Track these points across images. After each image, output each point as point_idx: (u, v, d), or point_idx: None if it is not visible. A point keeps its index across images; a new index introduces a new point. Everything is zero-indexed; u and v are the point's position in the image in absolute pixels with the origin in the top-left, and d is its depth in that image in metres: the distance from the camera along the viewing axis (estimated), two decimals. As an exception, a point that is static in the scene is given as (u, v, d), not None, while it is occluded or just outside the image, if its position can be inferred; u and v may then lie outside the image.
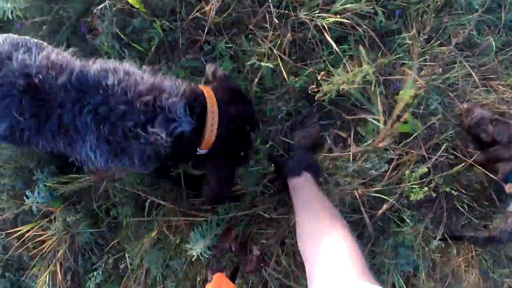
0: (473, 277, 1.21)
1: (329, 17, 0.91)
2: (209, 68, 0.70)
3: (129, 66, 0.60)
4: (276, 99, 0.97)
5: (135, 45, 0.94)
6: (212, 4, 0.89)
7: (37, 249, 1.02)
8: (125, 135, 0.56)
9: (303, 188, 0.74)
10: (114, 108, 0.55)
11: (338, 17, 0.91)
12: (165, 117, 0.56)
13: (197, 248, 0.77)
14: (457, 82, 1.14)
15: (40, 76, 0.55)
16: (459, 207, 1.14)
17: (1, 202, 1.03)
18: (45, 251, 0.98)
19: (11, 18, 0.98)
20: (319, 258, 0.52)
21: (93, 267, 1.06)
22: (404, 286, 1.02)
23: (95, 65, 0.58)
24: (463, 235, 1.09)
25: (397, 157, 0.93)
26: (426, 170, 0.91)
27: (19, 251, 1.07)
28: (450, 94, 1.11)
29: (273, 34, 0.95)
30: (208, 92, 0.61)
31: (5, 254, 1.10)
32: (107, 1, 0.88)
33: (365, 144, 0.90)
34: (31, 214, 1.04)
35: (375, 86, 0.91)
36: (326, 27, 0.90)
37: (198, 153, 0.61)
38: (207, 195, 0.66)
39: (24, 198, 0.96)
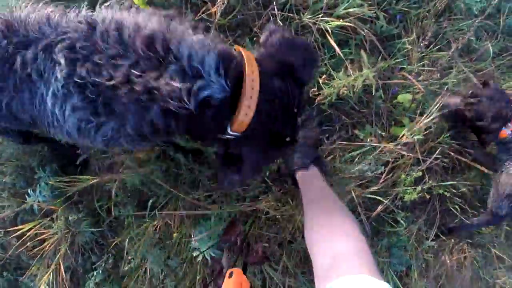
0: (466, 277, 1.31)
1: (332, 21, 0.97)
2: (267, 29, 0.52)
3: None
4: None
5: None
6: (218, 6, 0.94)
7: (37, 249, 1.07)
8: (112, 84, 0.40)
9: (312, 181, 0.76)
10: (102, 48, 0.42)
11: (341, 21, 0.98)
12: (183, 68, 0.41)
13: (202, 248, 0.81)
14: (453, 88, 1.22)
15: (15, 15, 0.47)
16: (452, 209, 1.23)
17: (2, 200, 1.06)
18: (46, 250, 1.02)
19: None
20: (328, 252, 0.53)
21: (93, 267, 1.11)
22: (400, 285, 1.11)
23: (82, 12, 0.49)
24: (458, 225, 1.18)
25: (393, 160, 1.01)
26: (420, 173, 0.99)
27: (18, 250, 1.10)
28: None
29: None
30: (248, 55, 0.46)
31: (4, 253, 1.14)
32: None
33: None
34: (31, 213, 1.08)
35: (376, 90, 0.98)
36: (329, 31, 0.97)
37: (227, 135, 0.47)
38: (232, 179, 0.52)
39: (26, 196, 1.00)
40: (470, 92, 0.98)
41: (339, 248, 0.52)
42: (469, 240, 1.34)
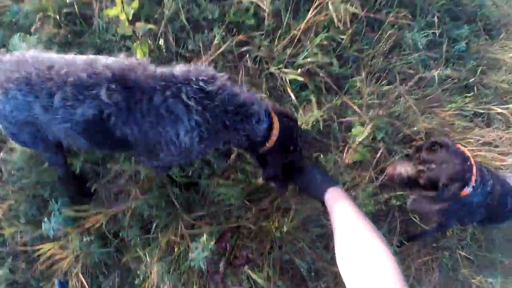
0: (434, 278, 1.62)
1: (291, 72, 1.36)
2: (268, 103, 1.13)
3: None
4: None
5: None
6: (203, 62, 1.32)
7: (48, 271, 1.33)
8: (225, 126, 0.88)
9: (343, 199, 0.84)
10: (218, 104, 0.86)
11: (299, 70, 1.37)
12: (257, 119, 0.93)
13: (198, 258, 1.13)
14: (402, 113, 1.61)
15: (125, 68, 0.80)
16: (413, 218, 1.58)
17: (17, 226, 1.33)
18: (60, 271, 1.30)
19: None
20: (365, 272, 0.60)
21: (100, 286, 1.39)
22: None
23: (178, 67, 0.87)
24: (416, 233, 1.51)
25: (350, 179, 1.37)
26: (372, 189, 1.35)
27: (28, 273, 1.36)
28: (396, 122, 1.57)
29: (250, 83, 1.39)
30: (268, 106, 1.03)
31: (14, 276, 1.39)
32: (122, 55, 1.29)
33: None
34: (40, 238, 1.36)
35: (326, 125, 1.35)
36: (288, 81, 1.35)
37: (265, 148, 0.98)
38: (268, 175, 1.04)
39: (42, 223, 1.28)
40: (420, 159, 1.00)
41: (374, 268, 0.61)
42: (434, 244, 1.67)
